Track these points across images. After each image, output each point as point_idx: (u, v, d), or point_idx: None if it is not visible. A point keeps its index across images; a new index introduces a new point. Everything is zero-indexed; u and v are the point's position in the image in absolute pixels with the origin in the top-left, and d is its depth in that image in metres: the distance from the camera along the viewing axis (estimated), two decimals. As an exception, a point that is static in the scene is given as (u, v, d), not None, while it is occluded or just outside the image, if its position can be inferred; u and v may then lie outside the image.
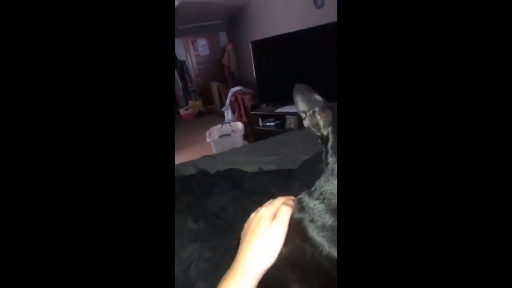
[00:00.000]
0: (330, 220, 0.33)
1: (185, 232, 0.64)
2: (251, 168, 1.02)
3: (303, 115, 0.39)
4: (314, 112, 0.38)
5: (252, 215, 0.38)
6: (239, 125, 2.67)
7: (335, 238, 0.32)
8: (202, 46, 5.01)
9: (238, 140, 2.51)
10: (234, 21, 4.35)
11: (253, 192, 0.82)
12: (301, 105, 0.38)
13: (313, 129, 0.38)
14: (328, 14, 2.06)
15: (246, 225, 0.38)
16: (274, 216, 0.35)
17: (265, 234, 0.34)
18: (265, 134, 2.16)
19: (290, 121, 2.35)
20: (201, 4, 3.35)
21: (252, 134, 2.71)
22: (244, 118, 2.88)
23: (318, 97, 0.38)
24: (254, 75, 2.61)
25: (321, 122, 0.37)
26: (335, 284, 0.32)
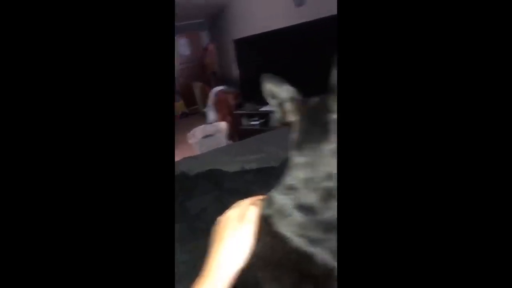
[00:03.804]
0: (297, 214, 0.33)
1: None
2: (233, 168, 1.00)
3: (273, 104, 0.39)
4: (283, 101, 0.38)
5: (220, 218, 0.37)
6: (223, 125, 2.65)
7: (304, 232, 0.32)
8: (184, 45, 4.93)
9: (222, 140, 2.48)
10: (215, 20, 4.31)
11: (234, 192, 0.80)
12: (271, 95, 0.38)
13: (283, 120, 0.39)
14: (308, 12, 2.08)
15: (214, 228, 0.37)
16: (242, 217, 0.34)
17: (234, 236, 0.33)
18: (250, 133, 2.15)
19: (275, 119, 2.35)
20: (181, 4, 3.30)
21: (237, 133, 2.69)
22: (228, 118, 2.85)
23: (288, 87, 0.38)
24: (238, 74, 2.60)
25: (289, 112, 0.37)
26: (309, 280, 0.31)
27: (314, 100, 0.38)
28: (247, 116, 2.57)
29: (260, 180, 0.84)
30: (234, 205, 0.38)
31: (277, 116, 0.39)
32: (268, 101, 0.39)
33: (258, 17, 2.81)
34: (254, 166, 1.02)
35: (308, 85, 0.50)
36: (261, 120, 2.45)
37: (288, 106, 0.38)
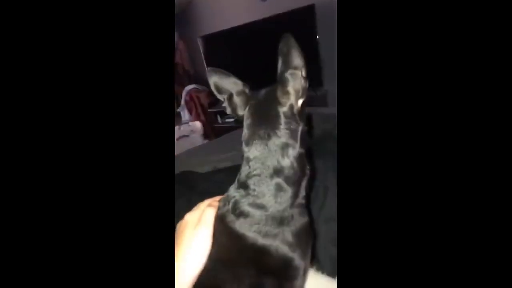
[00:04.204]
0: (250, 210, 0.33)
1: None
2: (205, 168, 1.00)
3: (222, 99, 0.38)
4: (231, 95, 0.37)
5: (179, 223, 0.37)
6: (198, 124, 2.61)
7: (257, 228, 0.32)
8: (152, 45, 4.75)
9: (197, 140, 2.45)
10: (182, 18, 4.19)
11: (206, 193, 0.80)
12: (217, 88, 0.38)
13: (233, 114, 0.38)
14: (273, 6, 2.08)
15: (174, 234, 0.37)
16: (199, 220, 0.34)
17: (191, 240, 0.33)
18: (225, 131, 2.13)
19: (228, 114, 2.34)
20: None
21: (212, 132, 2.67)
22: (202, 117, 2.81)
23: (235, 80, 0.38)
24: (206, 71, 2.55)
25: (237, 106, 0.37)
26: (269, 273, 0.32)
27: (261, 92, 0.37)
28: (221, 114, 2.54)
29: (232, 179, 0.85)
30: (194, 208, 0.38)
31: (227, 111, 0.39)
32: (216, 96, 0.38)
33: (224, 13, 2.77)
34: (227, 164, 1.02)
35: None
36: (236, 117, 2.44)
37: (236, 99, 0.37)
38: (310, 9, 1.67)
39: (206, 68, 2.56)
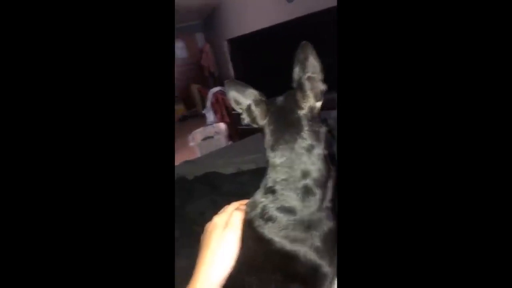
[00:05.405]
0: (278, 216, 0.33)
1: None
2: (229, 170, 1.01)
3: (239, 110, 0.39)
4: (249, 106, 0.38)
5: (207, 225, 0.37)
6: (222, 126, 2.65)
7: (286, 233, 0.32)
8: (180, 48, 4.93)
9: (222, 142, 2.49)
10: (209, 21, 4.30)
11: (230, 195, 0.81)
12: (236, 101, 0.38)
13: (252, 124, 0.39)
14: (300, 7, 2.06)
15: (202, 236, 0.37)
16: (227, 224, 0.34)
17: (219, 243, 0.33)
18: (249, 133, 2.15)
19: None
20: (176, 7, 3.29)
21: (236, 134, 2.70)
22: (227, 119, 2.85)
23: (252, 91, 0.38)
24: (232, 74, 2.59)
25: (257, 116, 0.37)
26: (296, 279, 0.32)
27: (279, 99, 0.38)
28: (245, 116, 2.56)
29: (256, 181, 0.85)
30: (221, 211, 0.38)
31: (245, 121, 0.39)
32: (234, 106, 0.39)
33: (251, 15, 2.80)
34: (251, 166, 1.02)
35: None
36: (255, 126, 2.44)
37: (255, 110, 0.38)
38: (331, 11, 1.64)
39: (232, 70, 2.60)
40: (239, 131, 2.64)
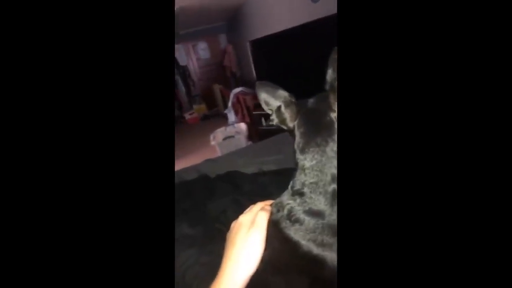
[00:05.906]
0: (306, 219, 0.33)
1: (180, 238, 0.64)
2: (251, 170, 1.01)
3: (270, 111, 0.39)
4: (279, 107, 0.37)
5: (233, 223, 0.38)
6: (243, 126, 2.67)
7: (313, 236, 0.32)
8: (203, 49, 5.03)
9: (242, 142, 2.51)
10: (232, 22, 4.35)
11: (252, 194, 0.81)
12: (266, 102, 0.38)
13: (281, 125, 0.38)
14: (325, 7, 2.03)
15: (227, 234, 0.38)
16: (253, 223, 0.35)
17: (244, 242, 0.34)
18: (269, 134, 2.15)
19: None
20: (199, 8, 3.37)
21: (256, 134, 2.71)
22: (247, 119, 2.87)
23: (282, 92, 0.38)
24: (254, 75, 2.61)
25: (287, 117, 0.37)
26: (321, 283, 0.31)
27: (311, 101, 0.37)
28: (266, 117, 2.56)
29: (277, 182, 0.84)
30: (246, 210, 0.39)
31: (274, 122, 0.39)
32: (264, 107, 0.39)
33: (275, 16, 2.80)
34: (272, 167, 1.02)
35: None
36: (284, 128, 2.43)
37: (285, 111, 0.37)
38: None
39: (253, 71, 2.61)
40: (259, 131, 2.65)
